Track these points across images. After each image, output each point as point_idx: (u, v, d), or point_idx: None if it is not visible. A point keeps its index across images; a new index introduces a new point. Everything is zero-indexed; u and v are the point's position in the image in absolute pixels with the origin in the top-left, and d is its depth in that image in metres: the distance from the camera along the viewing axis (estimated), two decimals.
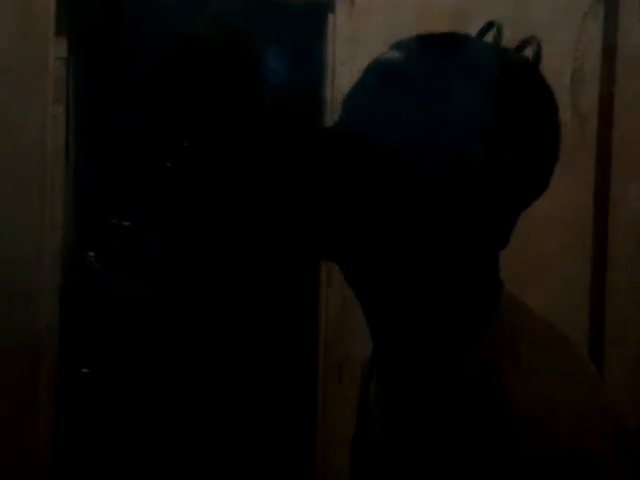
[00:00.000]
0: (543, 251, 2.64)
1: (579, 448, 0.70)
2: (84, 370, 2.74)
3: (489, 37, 0.87)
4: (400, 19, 2.59)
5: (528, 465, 0.69)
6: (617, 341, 2.64)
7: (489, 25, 0.87)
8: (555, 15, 2.62)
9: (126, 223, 2.79)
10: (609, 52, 2.67)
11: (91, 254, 2.69)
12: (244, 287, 2.86)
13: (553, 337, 0.82)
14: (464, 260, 0.81)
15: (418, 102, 0.79)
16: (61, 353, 2.61)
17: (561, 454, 0.69)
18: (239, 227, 2.88)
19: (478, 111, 0.79)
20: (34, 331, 2.46)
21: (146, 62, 2.80)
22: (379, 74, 0.83)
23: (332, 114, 2.60)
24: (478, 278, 0.83)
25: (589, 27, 2.66)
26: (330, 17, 2.61)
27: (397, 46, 0.84)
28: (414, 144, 0.78)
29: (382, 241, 0.81)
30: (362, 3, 2.59)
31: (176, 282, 2.84)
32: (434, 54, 0.82)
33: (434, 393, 0.81)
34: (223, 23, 2.81)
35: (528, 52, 0.85)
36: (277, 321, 2.84)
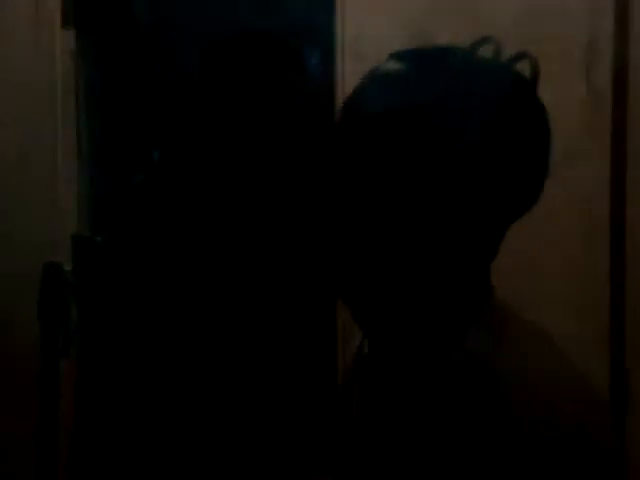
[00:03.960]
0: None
1: (570, 422, 0.75)
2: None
3: (487, 50, 0.88)
4: None
5: (528, 442, 0.74)
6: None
7: (484, 40, 0.88)
8: None
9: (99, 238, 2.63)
10: (622, 21, 2.63)
11: (67, 269, 2.56)
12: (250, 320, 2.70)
13: (539, 330, 0.87)
14: (456, 270, 0.84)
15: (415, 115, 0.80)
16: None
17: (557, 430, 0.74)
18: (240, 257, 2.71)
19: (471, 126, 0.80)
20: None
21: (159, 54, 2.77)
22: (378, 84, 0.85)
23: (342, 94, 2.59)
24: (469, 283, 0.87)
25: None
26: None
27: (396, 57, 0.86)
28: (409, 154, 0.80)
29: (383, 256, 0.84)
30: None
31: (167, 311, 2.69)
32: (431, 68, 0.83)
33: (425, 379, 0.84)
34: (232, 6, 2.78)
35: (524, 65, 0.86)
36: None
